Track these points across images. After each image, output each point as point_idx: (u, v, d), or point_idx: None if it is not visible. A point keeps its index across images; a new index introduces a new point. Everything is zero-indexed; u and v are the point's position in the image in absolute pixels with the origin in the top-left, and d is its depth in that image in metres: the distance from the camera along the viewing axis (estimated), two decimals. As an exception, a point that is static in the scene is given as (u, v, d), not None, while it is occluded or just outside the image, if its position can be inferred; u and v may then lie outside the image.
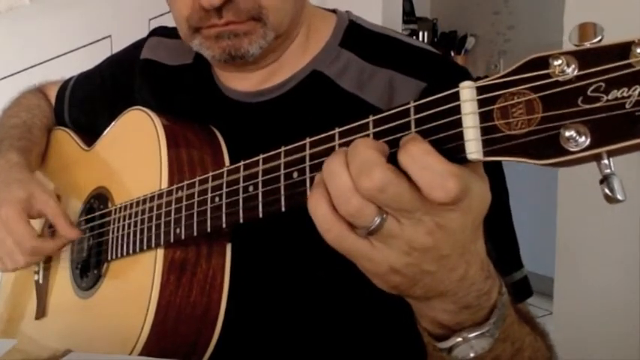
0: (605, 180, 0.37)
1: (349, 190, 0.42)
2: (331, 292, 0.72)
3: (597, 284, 1.52)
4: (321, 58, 0.77)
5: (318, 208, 0.45)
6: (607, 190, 0.37)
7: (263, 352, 0.77)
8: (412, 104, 0.44)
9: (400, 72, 0.73)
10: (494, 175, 0.73)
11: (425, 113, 0.43)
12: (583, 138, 0.36)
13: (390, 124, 0.45)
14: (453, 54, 3.62)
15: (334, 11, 0.83)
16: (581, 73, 0.37)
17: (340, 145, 0.48)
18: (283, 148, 0.53)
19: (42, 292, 0.91)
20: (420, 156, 0.41)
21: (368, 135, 0.46)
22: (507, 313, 0.52)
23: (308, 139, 0.51)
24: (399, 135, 0.44)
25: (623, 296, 1.46)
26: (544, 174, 2.29)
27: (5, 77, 2.20)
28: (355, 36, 0.79)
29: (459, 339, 0.50)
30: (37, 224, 0.91)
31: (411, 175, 0.41)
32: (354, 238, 0.45)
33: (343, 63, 0.76)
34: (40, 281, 0.92)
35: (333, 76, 0.76)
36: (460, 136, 0.41)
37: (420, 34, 3.62)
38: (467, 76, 0.76)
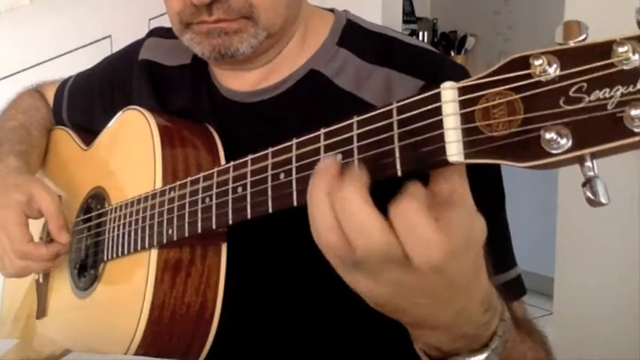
0: (588, 183, 0.36)
1: (327, 226, 0.42)
2: (327, 291, 0.72)
3: (597, 284, 1.52)
4: (318, 57, 0.77)
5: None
6: (589, 194, 0.36)
7: (259, 352, 0.77)
8: (395, 105, 0.43)
9: (398, 70, 0.73)
10: (491, 173, 0.73)
11: (407, 114, 0.42)
12: (564, 140, 0.35)
13: (373, 125, 0.44)
14: (453, 54, 3.62)
15: (332, 10, 0.83)
16: (563, 73, 0.36)
17: (325, 147, 0.47)
18: (271, 149, 0.53)
19: (42, 292, 0.91)
20: (409, 216, 0.40)
21: (352, 136, 0.45)
22: (508, 337, 0.51)
23: (294, 140, 0.50)
24: (382, 136, 0.44)
25: (624, 296, 1.46)
26: (544, 174, 2.29)
27: (5, 77, 2.21)
28: (353, 35, 0.78)
29: None
30: (38, 225, 0.91)
31: (398, 232, 0.40)
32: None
33: (341, 62, 0.76)
34: (41, 281, 0.92)
35: (331, 75, 0.76)
36: (441, 138, 0.40)
37: (420, 34, 3.62)
38: (465, 74, 0.76)
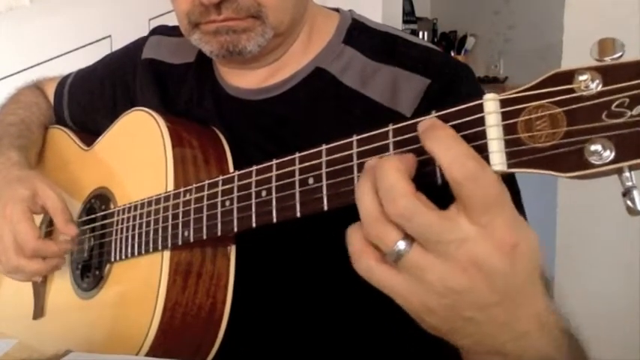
0: (628, 193, 0.37)
1: (371, 215, 0.43)
2: (336, 293, 0.72)
3: (597, 285, 1.53)
4: (324, 55, 0.78)
5: (351, 239, 0.45)
6: (629, 203, 0.37)
7: (267, 353, 0.77)
8: (434, 114, 0.44)
9: (403, 68, 0.74)
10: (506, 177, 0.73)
11: (447, 124, 0.43)
12: (608, 152, 0.37)
13: (410, 134, 0.45)
14: (453, 54, 3.61)
15: (337, 10, 0.83)
16: (605, 88, 0.37)
17: (358, 154, 0.48)
18: (298, 155, 0.53)
19: (40, 292, 0.90)
20: (446, 138, 0.41)
21: (387, 144, 0.46)
22: None
23: (324, 146, 0.51)
24: (418, 145, 0.44)
25: (624, 297, 1.46)
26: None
27: (5, 77, 2.20)
28: (358, 33, 0.79)
29: None
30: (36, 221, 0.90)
31: (436, 155, 0.41)
32: (383, 271, 0.44)
33: (346, 60, 0.77)
34: (38, 280, 0.91)
35: (337, 72, 0.76)
36: (484, 148, 0.42)
37: (420, 34, 3.62)
38: (470, 74, 0.76)
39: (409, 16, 3.48)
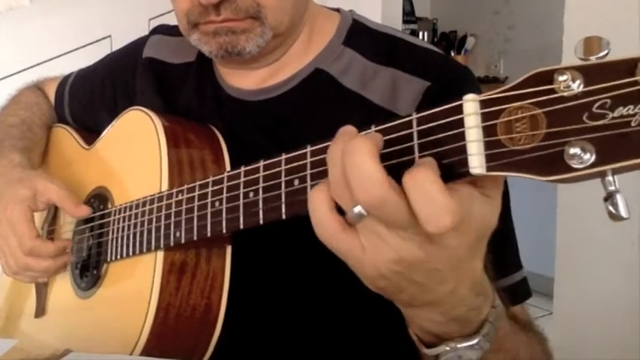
0: (610, 198, 0.36)
1: (339, 186, 0.42)
2: (330, 293, 0.72)
3: (597, 284, 1.52)
4: (324, 56, 0.77)
5: (317, 207, 0.44)
6: (611, 208, 0.36)
7: (263, 353, 0.77)
8: (415, 116, 0.43)
9: (404, 71, 0.74)
10: None
11: (427, 125, 0.42)
12: (588, 155, 0.36)
13: (392, 135, 0.44)
14: (453, 54, 3.62)
15: (338, 10, 0.83)
16: (587, 89, 0.36)
17: None
18: (284, 156, 0.53)
19: (42, 291, 0.91)
20: (423, 183, 0.39)
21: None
22: (500, 325, 0.52)
23: (309, 147, 0.50)
24: (400, 147, 0.43)
25: (624, 296, 1.46)
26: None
27: (5, 77, 2.21)
28: (359, 35, 0.79)
29: (447, 348, 0.50)
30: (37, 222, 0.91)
31: (410, 199, 0.40)
32: (347, 241, 0.44)
33: (346, 61, 0.76)
34: (45, 280, 0.91)
35: (336, 74, 0.76)
36: (463, 150, 0.40)
37: (420, 34, 3.63)
38: (470, 75, 0.76)
39: (409, 16, 3.49)
